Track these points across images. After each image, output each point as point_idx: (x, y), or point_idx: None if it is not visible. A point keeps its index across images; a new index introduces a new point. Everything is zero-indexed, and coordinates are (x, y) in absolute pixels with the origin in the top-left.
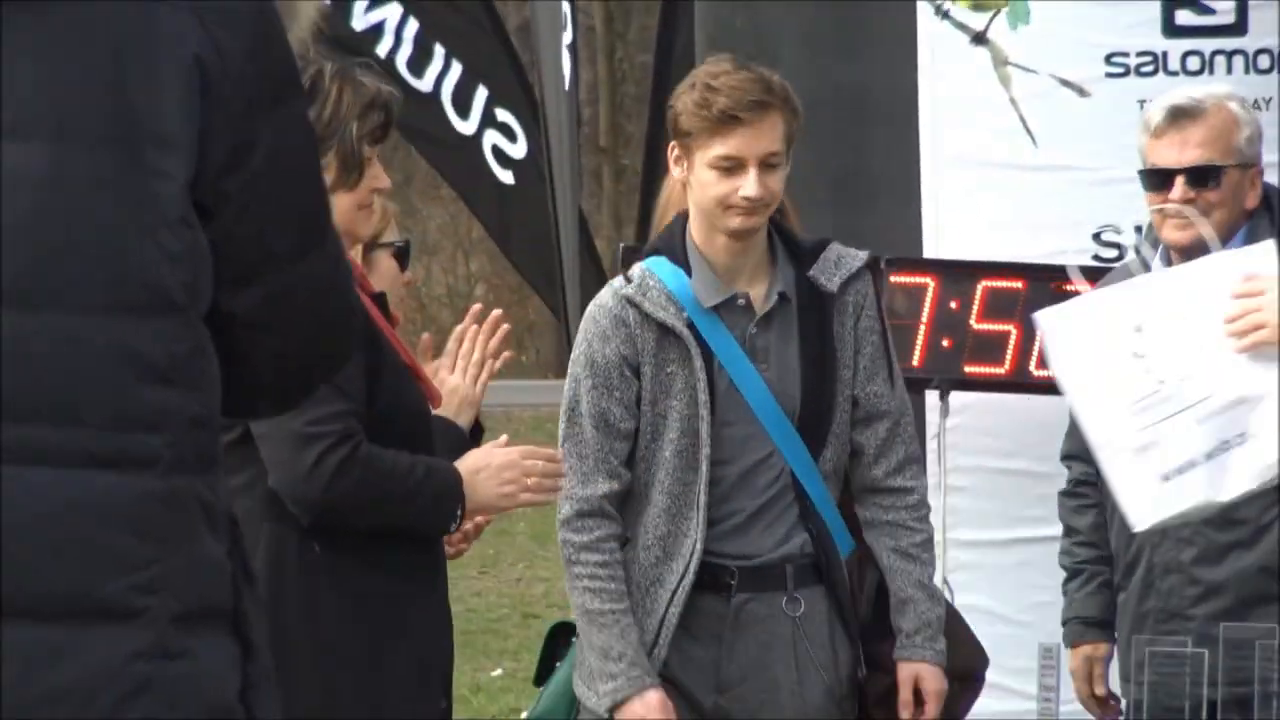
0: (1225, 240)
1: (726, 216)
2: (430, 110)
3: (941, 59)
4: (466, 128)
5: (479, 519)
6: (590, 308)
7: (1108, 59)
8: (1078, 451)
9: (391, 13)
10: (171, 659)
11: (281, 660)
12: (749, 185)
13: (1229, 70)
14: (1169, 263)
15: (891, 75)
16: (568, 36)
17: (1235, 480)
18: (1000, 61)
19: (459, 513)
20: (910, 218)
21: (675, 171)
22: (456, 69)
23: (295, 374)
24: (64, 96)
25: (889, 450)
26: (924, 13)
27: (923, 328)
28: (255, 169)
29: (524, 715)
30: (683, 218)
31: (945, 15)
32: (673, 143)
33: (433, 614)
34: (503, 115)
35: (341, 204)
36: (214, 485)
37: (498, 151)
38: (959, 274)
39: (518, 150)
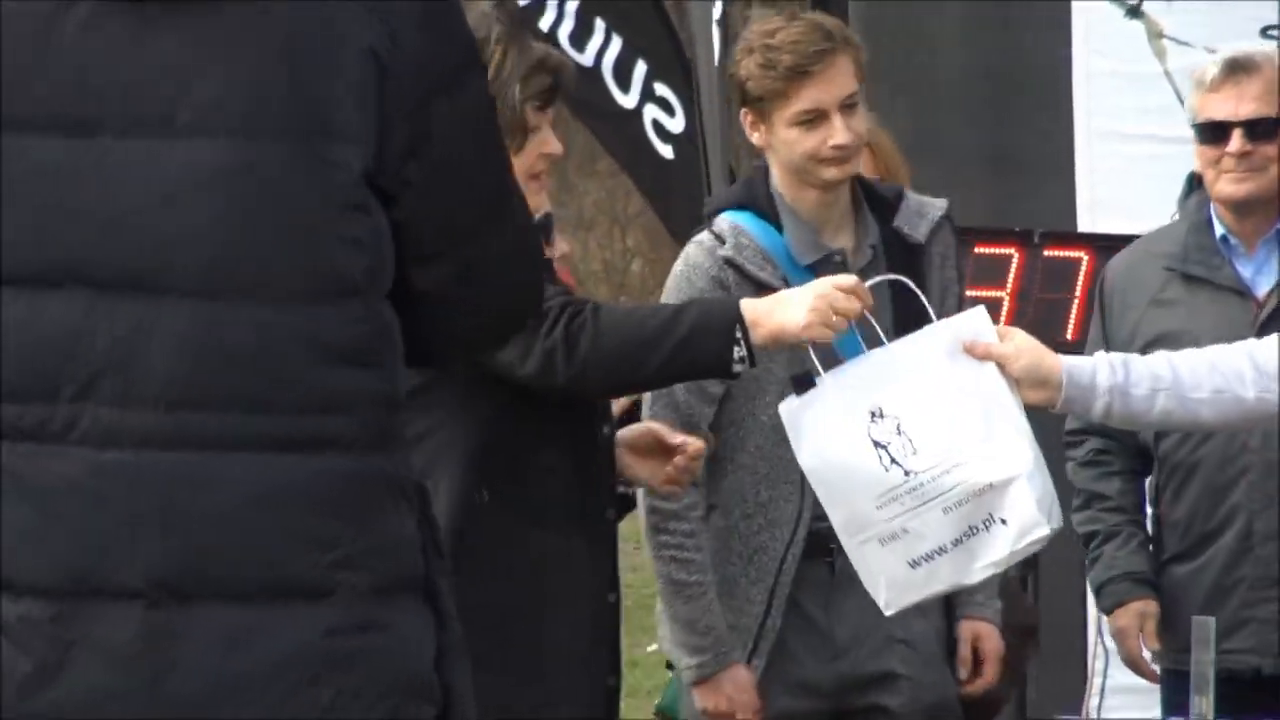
0: None
1: (821, 169)
2: (593, 84)
3: (1096, 33)
4: (628, 101)
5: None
6: (679, 267)
7: (1263, 31)
8: (1087, 425)
9: None
10: (369, 632)
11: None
12: (838, 134)
13: None
14: (1212, 226)
15: (1045, 49)
16: (717, 10)
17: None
18: (1155, 34)
19: (741, 342)
20: (1064, 192)
21: (754, 137)
22: (616, 43)
23: (487, 336)
24: (243, 93)
25: None
26: None
27: (1077, 301)
28: (436, 154)
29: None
30: (762, 172)
31: None
32: (744, 110)
33: (602, 581)
34: (661, 90)
35: None
36: (404, 461)
37: (658, 126)
38: (1113, 248)
39: (676, 125)
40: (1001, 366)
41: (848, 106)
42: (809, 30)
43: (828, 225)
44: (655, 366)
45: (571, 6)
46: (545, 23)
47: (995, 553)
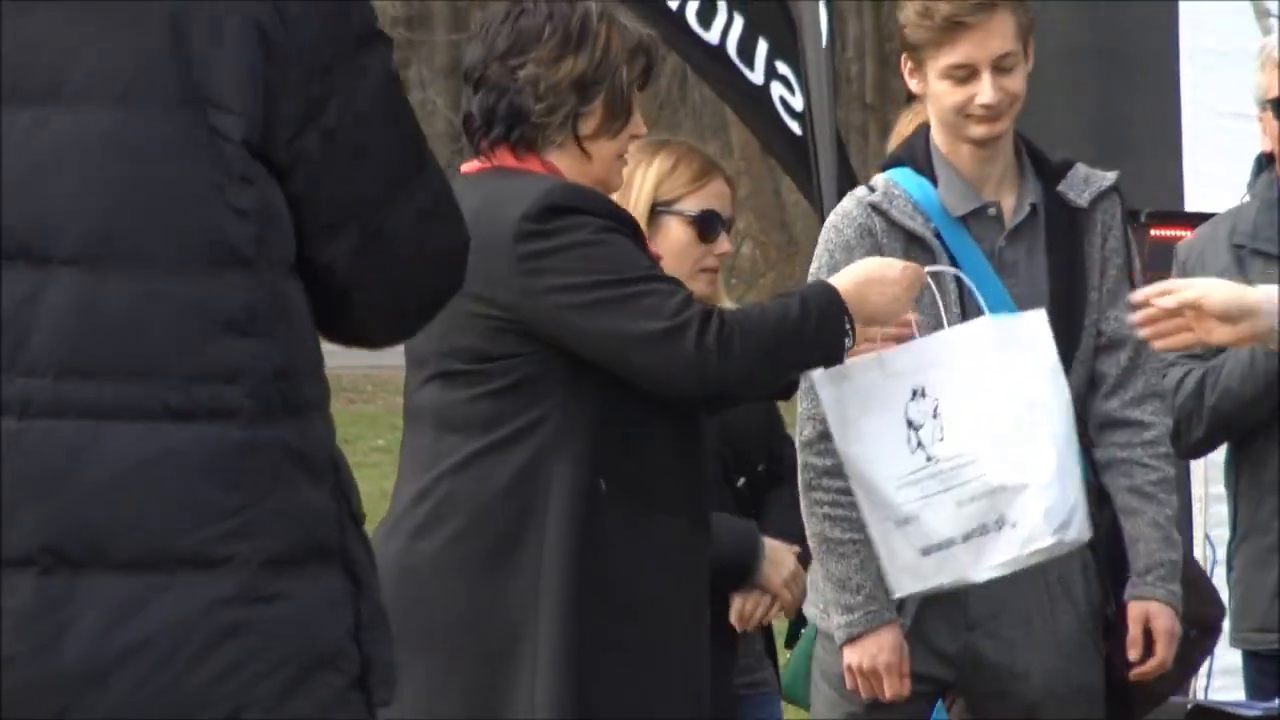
0: None
1: (968, 125)
2: (722, 62)
3: (1202, 8)
4: (756, 78)
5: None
6: (831, 217)
7: None
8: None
9: None
10: (264, 602)
11: (586, 609)
12: (985, 92)
13: None
14: None
15: (1152, 25)
16: None
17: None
18: (1261, 13)
19: (850, 330)
20: (1171, 170)
21: (912, 84)
22: (739, 22)
23: (405, 309)
24: (125, 63)
25: (1130, 380)
26: None
27: None
28: (330, 123)
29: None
30: (926, 128)
31: None
32: (904, 55)
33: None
34: (782, 69)
35: (603, 152)
36: (305, 432)
37: (784, 103)
38: None
39: (798, 103)
40: (1200, 305)
41: (1002, 66)
42: None
43: (987, 180)
44: (794, 364)
45: None
46: (674, 3)
47: (1002, 555)
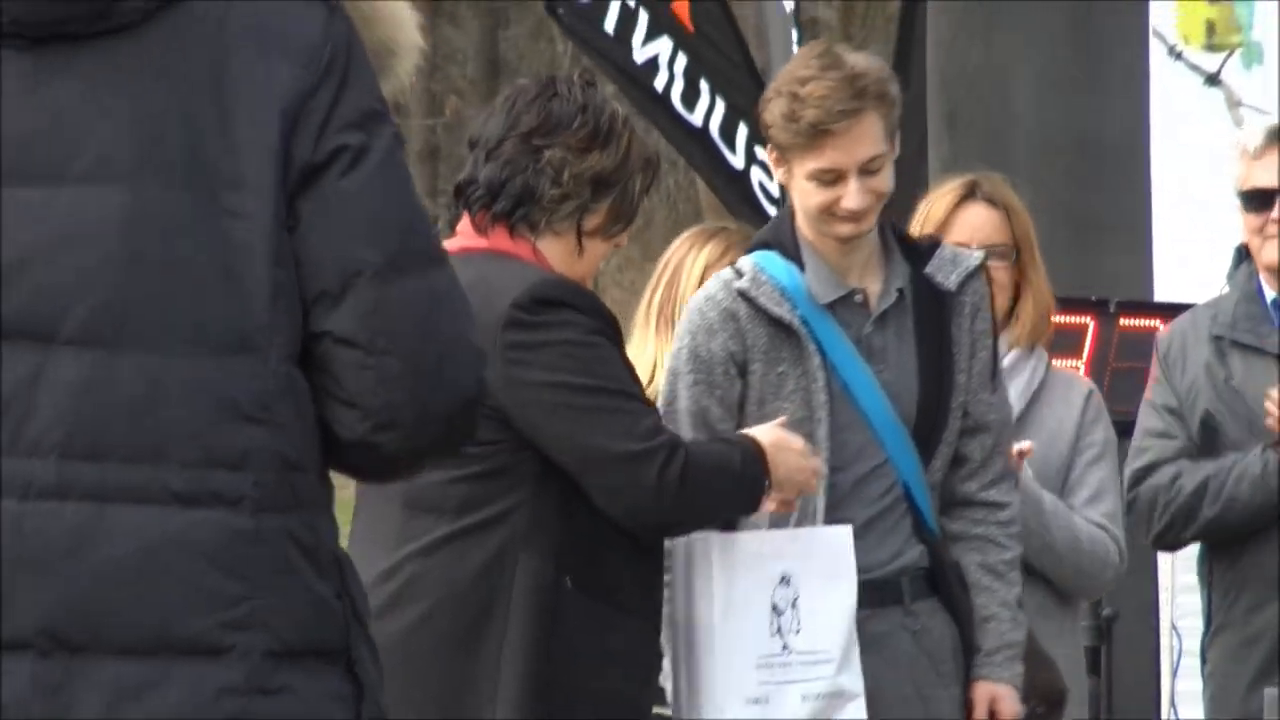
0: None
1: (833, 224)
2: (704, 145)
3: (1174, 100)
4: (737, 162)
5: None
6: (694, 300)
7: None
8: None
9: (664, 46)
10: (266, 695)
11: (545, 704)
12: (851, 197)
13: None
14: (1263, 293)
15: (1124, 116)
16: None
17: None
18: (1233, 103)
19: (768, 488)
20: (1141, 260)
21: (778, 174)
22: (721, 105)
23: (430, 400)
24: (136, 140)
25: (990, 463)
26: (1157, 53)
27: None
28: (329, 188)
29: None
30: (791, 211)
31: (1178, 56)
32: (769, 147)
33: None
34: (762, 154)
35: (594, 250)
36: (313, 525)
37: (763, 188)
38: None
39: (776, 188)
40: None
41: (869, 169)
42: (839, 87)
43: (852, 267)
44: (729, 509)
45: (680, 67)
46: (659, 83)
47: None
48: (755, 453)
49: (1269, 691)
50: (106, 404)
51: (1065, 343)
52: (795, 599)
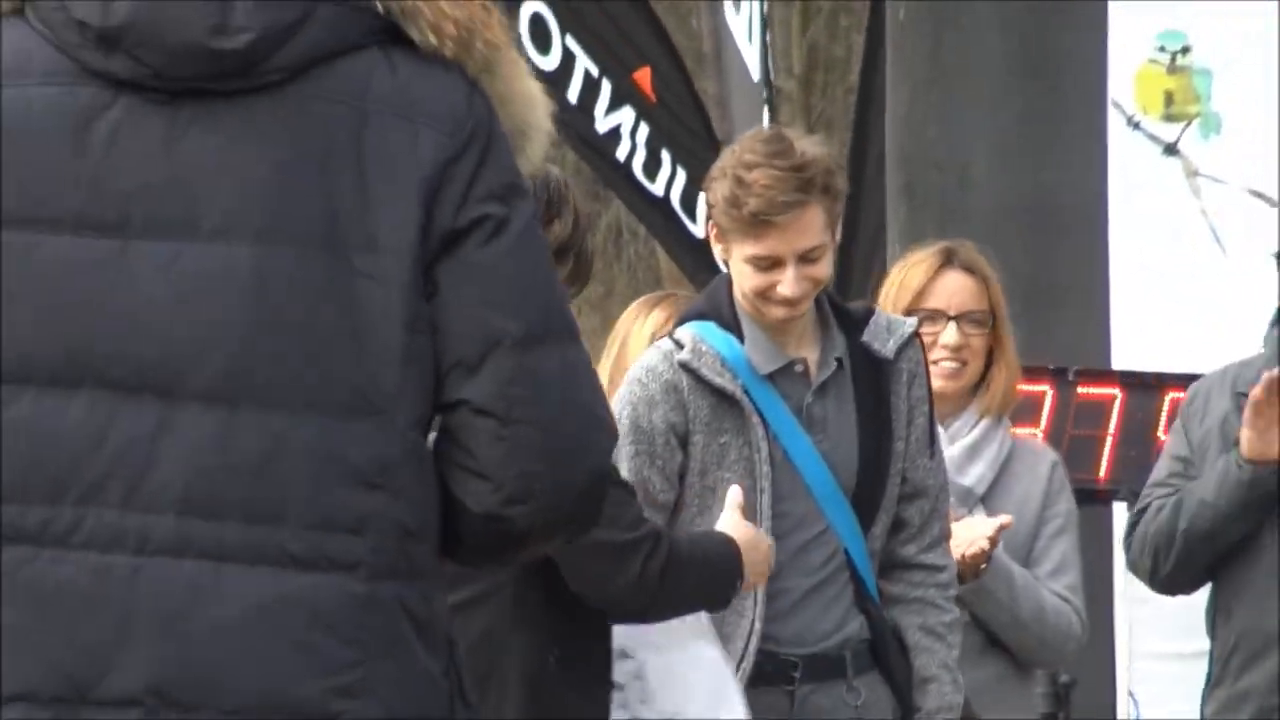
0: None
1: (769, 307)
2: (665, 214)
3: (1132, 169)
4: (698, 231)
5: None
6: (634, 370)
7: None
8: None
9: (626, 116)
10: None
11: None
12: (787, 284)
13: None
14: None
15: (1082, 185)
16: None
17: None
18: (1190, 172)
19: (738, 588)
20: (1097, 328)
21: (716, 249)
22: (682, 175)
23: (567, 474)
24: (270, 197)
25: (928, 527)
26: (1115, 123)
27: (1110, 439)
28: (470, 256)
29: None
30: (727, 281)
31: (1136, 126)
32: (710, 222)
33: None
34: None
35: None
36: (429, 598)
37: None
38: (1146, 385)
39: None
40: None
41: (807, 259)
42: (784, 178)
43: (790, 336)
44: (699, 605)
45: (642, 138)
46: (621, 153)
47: None
48: (732, 551)
49: None
50: (227, 462)
51: (1023, 410)
52: (640, 669)
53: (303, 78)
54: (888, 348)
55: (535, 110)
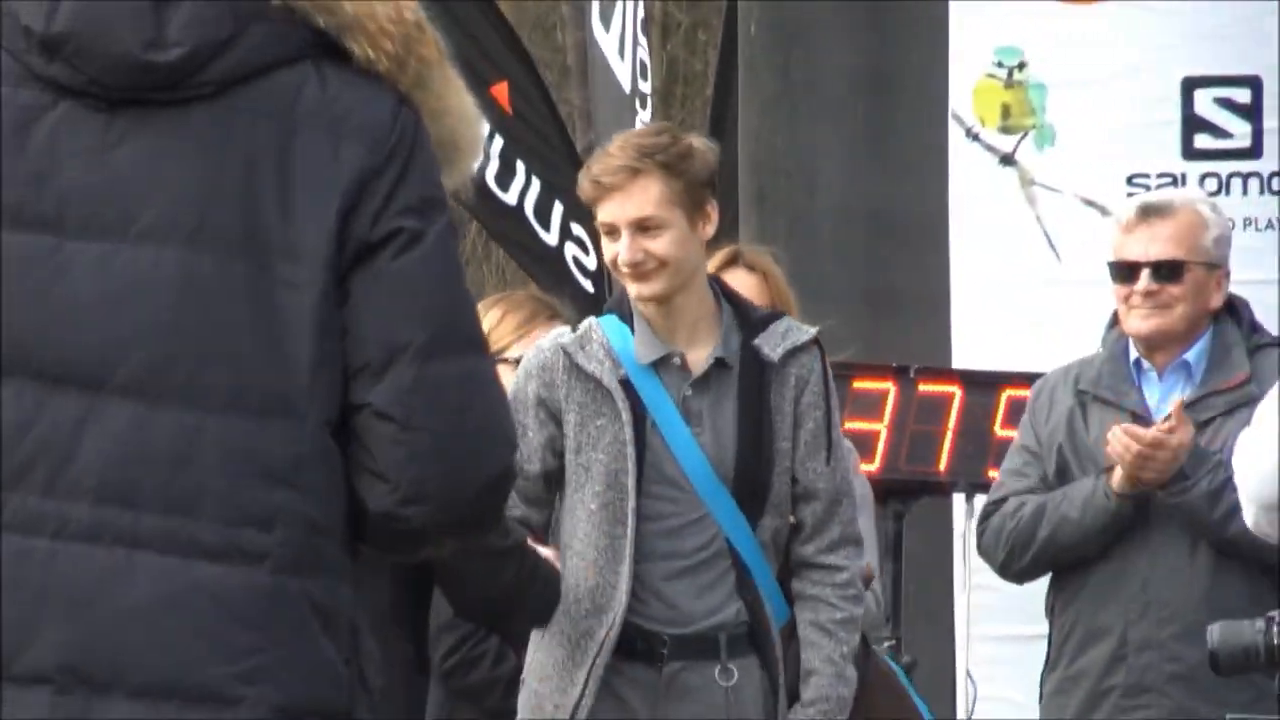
0: (1189, 338)
1: (625, 279)
2: (517, 221)
3: (971, 179)
4: (550, 239)
5: None
6: (530, 348)
7: (1129, 180)
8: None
9: (481, 130)
10: None
11: None
12: (622, 250)
13: (1244, 192)
14: (1128, 354)
15: (924, 193)
16: None
17: None
18: (1026, 181)
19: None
20: (939, 329)
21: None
22: (536, 184)
23: (460, 478)
24: (197, 204)
25: (823, 529)
26: (955, 134)
27: (949, 434)
28: (381, 267)
29: None
30: None
31: (975, 137)
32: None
33: None
34: (577, 230)
35: None
36: (334, 590)
37: (577, 262)
38: (983, 383)
39: (591, 262)
40: None
41: (644, 227)
42: (627, 148)
43: (676, 331)
44: (540, 618)
45: (495, 149)
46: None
47: None
48: (557, 577)
49: None
50: (145, 455)
51: (867, 405)
52: None
53: (235, 89)
54: (775, 352)
55: (468, 124)
